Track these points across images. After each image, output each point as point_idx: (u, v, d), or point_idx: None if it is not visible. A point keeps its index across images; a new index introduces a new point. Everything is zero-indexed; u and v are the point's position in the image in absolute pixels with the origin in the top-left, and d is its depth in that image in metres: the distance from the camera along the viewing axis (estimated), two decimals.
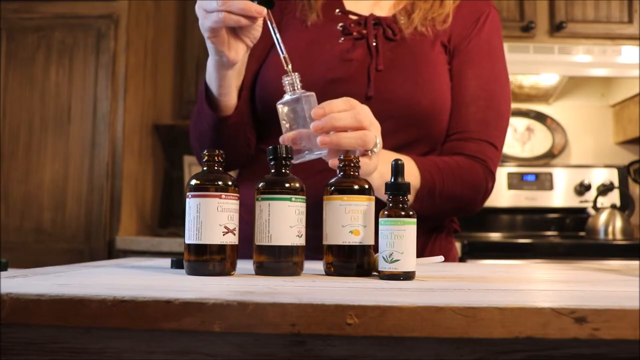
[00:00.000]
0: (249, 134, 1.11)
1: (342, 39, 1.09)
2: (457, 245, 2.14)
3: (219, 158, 0.76)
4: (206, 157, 0.75)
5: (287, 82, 0.88)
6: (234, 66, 0.95)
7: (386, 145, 1.01)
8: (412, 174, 0.99)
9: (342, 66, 1.07)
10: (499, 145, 1.12)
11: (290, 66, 0.88)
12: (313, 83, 1.04)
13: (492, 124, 1.11)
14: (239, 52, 0.92)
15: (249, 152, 1.12)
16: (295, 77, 0.88)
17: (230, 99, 1.03)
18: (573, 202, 2.70)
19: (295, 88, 0.88)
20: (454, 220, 1.20)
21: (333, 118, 0.81)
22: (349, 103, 0.83)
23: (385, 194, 0.75)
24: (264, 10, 0.86)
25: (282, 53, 0.89)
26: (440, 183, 1.03)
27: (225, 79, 0.99)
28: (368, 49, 1.08)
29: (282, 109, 0.88)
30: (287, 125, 0.87)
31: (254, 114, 1.11)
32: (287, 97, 0.88)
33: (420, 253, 1.00)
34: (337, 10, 1.12)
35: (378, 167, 0.87)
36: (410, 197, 1.00)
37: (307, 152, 0.85)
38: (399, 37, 1.09)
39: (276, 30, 0.90)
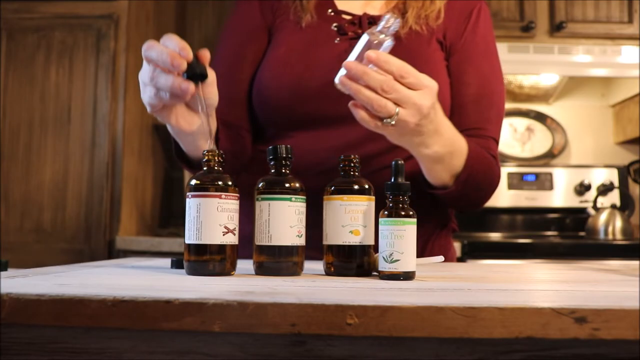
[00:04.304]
0: (245, 139, 1.11)
1: (338, 39, 1.09)
2: (457, 245, 2.14)
3: (219, 158, 0.76)
4: (206, 157, 0.75)
5: (385, 20, 0.85)
6: (193, 133, 0.89)
7: (385, 142, 1.02)
8: (460, 158, 1.00)
9: (340, 67, 1.06)
10: (499, 140, 1.14)
11: (211, 144, 0.82)
12: (313, 84, 1.05)
13: (492, 120, 1.12)
14: (193, 123, 0.87)
15: (246, 157, 1.12)
16: (395, 23, 0.85)
17: (200, 153, 0.95)
18: (573, 202, 2.70)
19: (384, 32, 0.85)
20: (453, 219, 1.20)
21: (365, 73, 0.81)
22: (407, 72, 0.82)
23: (386, 193, 0.75)
24: (190, 87, 0.79)
25: (206, 126, 0.83)
26: (482, 175, 1.04)
27: (188, 143, 0.94)
28: None
29: (362, 38, 0.86)
30: (354, 53, 0.85)
31: (251, 116, 1.11)
32: (373, 29, 0.85)
33: (420, 253, 1.00)
34: (330, 11, 1.12)
35: (431, 146, 0.91)
36: (447, 177, 1.00)
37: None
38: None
39: (204, 104, 0.82)
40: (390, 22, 0.85)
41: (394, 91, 0.81)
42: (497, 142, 1.12)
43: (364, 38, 0.85)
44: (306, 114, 1.06)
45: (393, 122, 0.84)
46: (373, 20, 1.10)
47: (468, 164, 1.00)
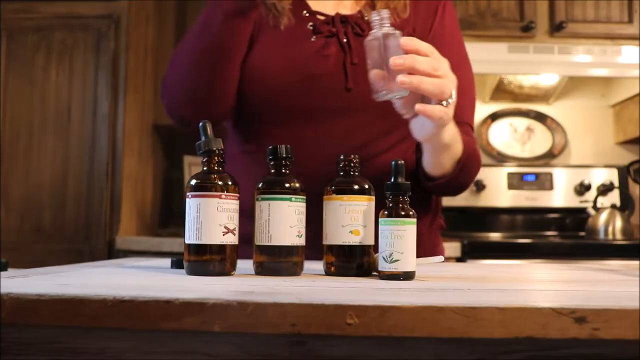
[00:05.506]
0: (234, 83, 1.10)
1: (314, 37, 1.12)
2: (457, 245, 2.14)
3: (219, 158, 0.76)
4: (206, 157, 0.75)
5: (376, 18, 0.85)
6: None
7: (366, 134, 1.06)
8: (460, 142, 1.03)
9: (319, 62, 1.09)
10: (473, 126, 1.18)
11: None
12: (294, 78, 1.08)
13: (467, 106, 1.15)
14: None
15: (228, 104, 1.11)
16: (385, 15, 0.85)
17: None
18: (573, 202, 2.70)
19: (382, 25, 0.85)
20: (440, 216, 1.23)
21: (415, 60, 0.82)
22: (432, 49, 0.85)
23: (385, 193, 0.75)
24: None
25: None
26: (475, 158, 1.08)
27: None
28: (340, 45, 1.11)
29: (366, 45, 0.86)
30: (370, 62, 0.86)
31: (239, 117, 1.13)
32: (372, 33, 0.86)
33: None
34: (305, 12, 1.15)
35: (447, 130, 0.93)
36: (450, 163, 1.03)
37: (385, 91, 0.85)
38: (367, 32, 1.11)
39: None
40: (382, 14, 0.85)
41: (440, 68, 0.84)
42: (472, 128, 1.16)
43: (376, 35, 0.85)
44: (288, 108, 1.08)
45: (451, 100, 0.86)
46: (345, 19, 1.13)
47: (464, 148, 1.03)
